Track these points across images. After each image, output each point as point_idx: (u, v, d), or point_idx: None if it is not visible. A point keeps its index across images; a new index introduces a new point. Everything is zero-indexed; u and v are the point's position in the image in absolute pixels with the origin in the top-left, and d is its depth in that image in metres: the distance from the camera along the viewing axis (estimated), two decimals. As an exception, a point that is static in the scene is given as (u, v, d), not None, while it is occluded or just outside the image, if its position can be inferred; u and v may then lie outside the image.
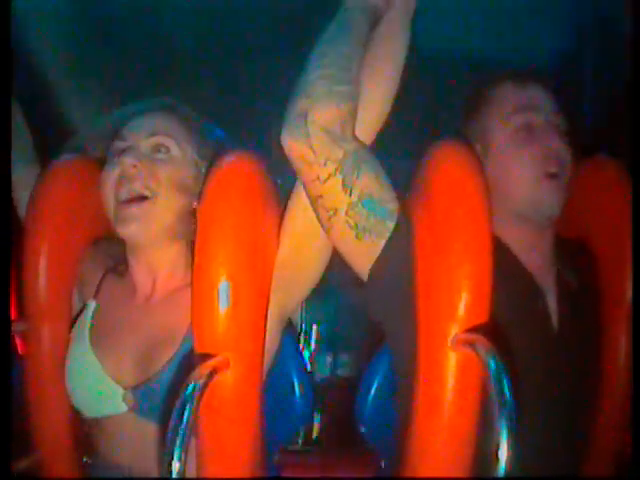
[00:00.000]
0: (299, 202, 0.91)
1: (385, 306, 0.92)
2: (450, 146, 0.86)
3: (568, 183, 1.03)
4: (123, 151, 1.00)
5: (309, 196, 0.87)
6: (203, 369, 0.74)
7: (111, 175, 1.00)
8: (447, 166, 0.83)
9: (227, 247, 0.82)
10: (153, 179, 0.98)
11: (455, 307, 0.76)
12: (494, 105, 1.07)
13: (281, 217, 0.93)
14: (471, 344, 0.71)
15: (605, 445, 1.01)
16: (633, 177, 1.00)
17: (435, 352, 0.77)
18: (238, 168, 0.86)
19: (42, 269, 1.04)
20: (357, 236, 0.85)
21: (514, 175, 1.03)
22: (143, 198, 0.98)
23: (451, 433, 0.77)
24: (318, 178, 0.83)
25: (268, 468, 0.97)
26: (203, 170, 1.02)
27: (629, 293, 0.99)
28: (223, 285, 0.79)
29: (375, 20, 0.91)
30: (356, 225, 0.84)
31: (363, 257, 0.88)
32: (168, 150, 1.01)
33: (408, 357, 0.83)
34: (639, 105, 1.00)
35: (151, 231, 0.99)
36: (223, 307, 0.80)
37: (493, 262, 0.77)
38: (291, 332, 1.13)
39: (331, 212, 0.85)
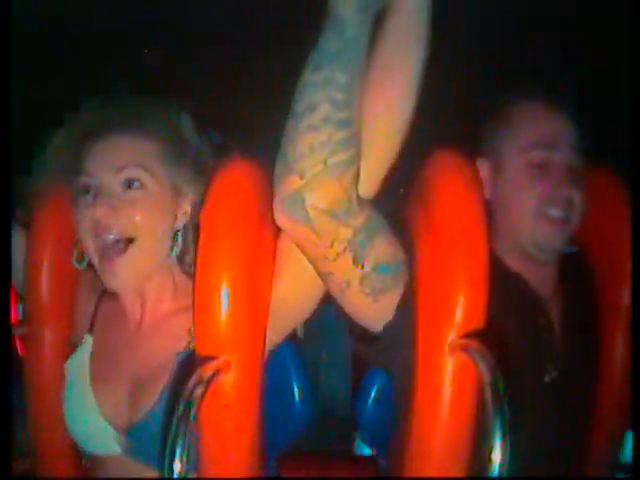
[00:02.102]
0: (287, 249, 0.84)
1: (396, 359, 0.88)
2: (449, 158, 0.86)
3: (574, 225, 1.01)
4: (94, 192, 0.92)
5: (316, 270, 0.79)
6: (205, 371, 0.74)
7: (85, 221, 0.93)
8: (446, 178, 0.84)
9: (229, 252, 0.82)
10: (130, 223, 0.92)
11: (452, 313, 0.77)
12: (513, 130, 1.04)
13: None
14: (467, 349, 0.72)
15: (604, 448, 1.02)
16: (632, 188, 1.01)
17: (433, 357, 0.78)
18: (238, 175, 0.86)
19: (44, 272, 1.05)
20: (375, 300, 0.79)
21: (520, 210, 1.01)
22: (123, 244, 0.92)
23: (448, 436, 0.78)
24: (326, 257, 0.74)
25: (267, 472, 0.98)
26: (185, 191, 0.96)
27: (628, 302, 1.01)
28: (224, 290, 0.80)
29: (373, 21, 0.70)
30: (373, 290, 0.77)
31: (381, 316, 0.82)
32: (142, 185, 0.93)
33: (406, 364, 0.83)
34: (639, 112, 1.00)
35: (138, 273, 0.95)
36: (224, 312, 0.81)
37: (489, 269, 0.78)
38: (291, 338, 1.14)
39: (344, 285, 0.77)
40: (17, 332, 1.14)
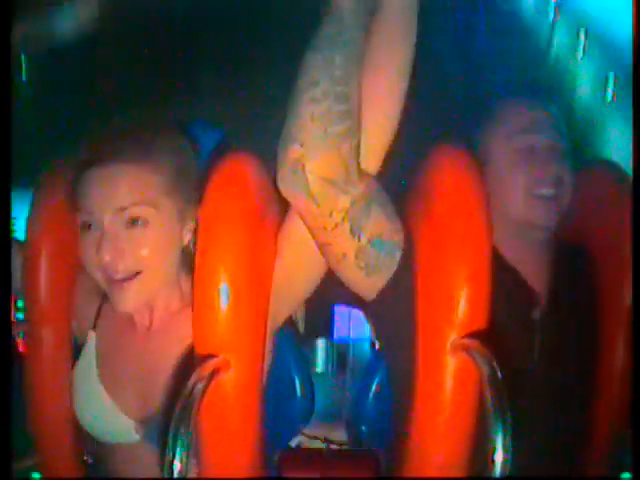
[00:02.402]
0: (292, 226, 0.86)
1: (388, 331, 0.92)
2: (450, 151, 0.86)
3: (566, 202, 1.04)
4: (94, 231, 0.90)
5: (315, 241, 0.82)
6: (204, 370, 0.74)
7: (92, 260, 0.91)
8: (447, 172, 0.83)
9: (228, 249, 0.82)
10: (137, 260, 0.91)
11: (454, 312, 0.76)
12: (497, 122, 1.07)
13: (282, 217, 0.92)
14: (468, 349, 0.71)
15: (603, 447, 1.02)
16: (633, 181, 1.01)
17: (434, 357, 0.78)
18: (238, 171, 0.85)
19: (42, 271, 1.04)
20: (368, 274, 0.82)
21: (511, 193, 1.04)
22: (132, 276, 0.91)
23: (449, 437, 0.77)
24: (324, 228, 0.78)
25: (269, 468, 0.98)
26: (189, 209, 0.94)
27: (629, 297, 1.00)
28: (223, 288, 0.80)
29: (369, 20, 0.76)
30: (367, 265, 0.81)
31: (374, 289, 0.86)
32: (146, 222, 0.90)
33: (405, 362, 0.83)
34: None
35: (147, 298, 0.95)
36: (223, 310, 0.80)
37: (492, 268, 0.78)
38: (292, 331, 1.13)
39: (340, 256, 0.80)
40: (17, 331, 1.13)
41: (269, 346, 0.93)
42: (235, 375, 0.80)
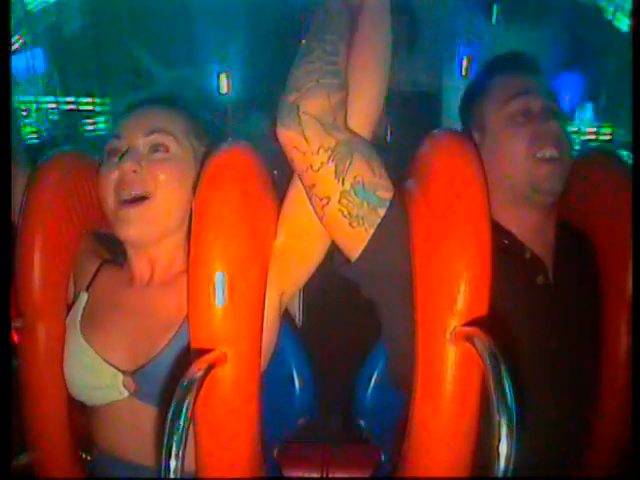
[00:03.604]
0: (297, 190, 0.90)
1: (376, 291, 0.93)
2: (448, 135, 0.85)
3: (569, 163, 1.03)
4: (121, 153, 0.98)
5: (304, 186, 0.88)
6: (200, 364, 0.72)
7: (109, 178, 0.98)
8: (445, 156, 0.82)
9: (223, 239, 0.81)
10: (152, 180, 0.97)
11: (454, 300, 0.75)
12: (491, 93, 1.08)
13: (279, 208, 0.92)
14: (470, 338, 0.70)
15: (606, 438, 1.01)
16: (633, 170, 0.99)
17: (434, 346, 0.76)
18: (234, 159, 0.85)
19: (36, 265, 1.02)
20: (351, 224, 0.86)
21: (512, 158, 1.04)
22: (142, 199, 0.96)
23: (451, 428, 0.76)
24: (311, 166, 0.84)
25: (268, 463, 0.97)
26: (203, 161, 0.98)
27: (629, 285, 0.99)
28: (219, 277, 0.78)
29: (355, 12, 0.91)
30: (350, 213, 0.85)
31: (356, 245, 0.87)
32: (167, 149, 0.99)
33: (404, 347, 0.83)
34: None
35: (151, 233, 0.98)
36: (219, 300, 0.79)
37: (493, 254, 0.76)
38: (290, 323, 1.12)
39: (324, 201, 0.85)
40: (14, 326, 1.12)
41: (277, 330, 0.94)
42: (232, 368, 0.78)
